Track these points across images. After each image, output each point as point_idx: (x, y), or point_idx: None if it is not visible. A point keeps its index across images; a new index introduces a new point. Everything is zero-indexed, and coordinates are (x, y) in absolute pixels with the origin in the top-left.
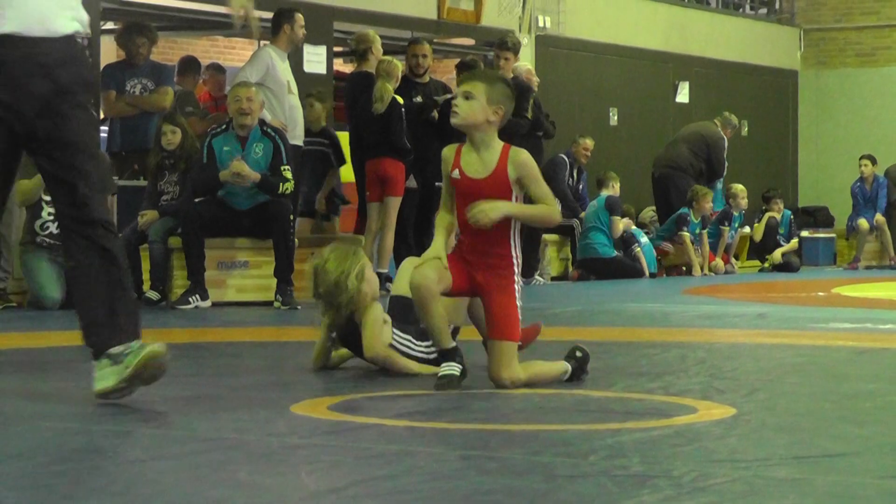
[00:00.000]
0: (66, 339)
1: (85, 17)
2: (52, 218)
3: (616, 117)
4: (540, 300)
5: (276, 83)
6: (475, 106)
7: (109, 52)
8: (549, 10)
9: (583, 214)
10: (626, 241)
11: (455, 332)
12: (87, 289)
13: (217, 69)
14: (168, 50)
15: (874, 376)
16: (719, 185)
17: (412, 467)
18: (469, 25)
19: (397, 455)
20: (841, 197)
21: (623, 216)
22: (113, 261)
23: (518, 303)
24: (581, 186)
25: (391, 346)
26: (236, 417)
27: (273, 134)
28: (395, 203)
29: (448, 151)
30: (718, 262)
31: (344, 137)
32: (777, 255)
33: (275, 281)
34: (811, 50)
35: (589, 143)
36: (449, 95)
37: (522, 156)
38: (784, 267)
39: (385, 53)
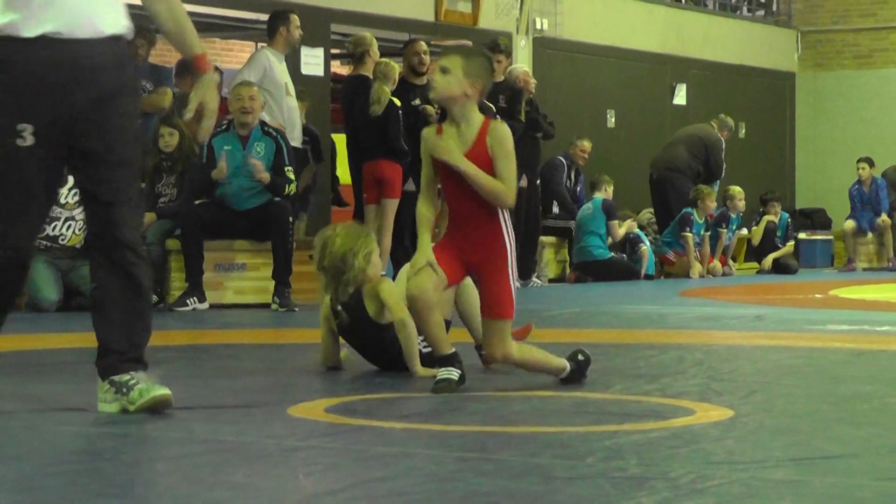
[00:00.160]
0: (63, 341)
1: (126, 17)
2: (47, 220)
3: (613, 119)
4: (537, 302)
5: (273, 85)
6: (451, 80)
7: None
8: (547, 12)
9: (577, 216)
10: (632, 242)
11: (447, 325)
12: (106, 312)
13: (214, 71)
14: (166, 52)
15: (872, 378)
16: (716, 187)
17: (410, 469)
18: (466, 27)
19: (395, 457)
20: (838, 199)
21: (621, 219)
22: (137, 290)
23: (513, 282)
24: (579, 188)
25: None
26: (234, 419)
27: (274, 134)
28: (392, 205)
29: (429, 132)
30: (716, 264)
31: (340, 140)
32: (768, 261)
33: (272, 283)
34: (808, 52)
35: (586, 144)
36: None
37: (500, 130)
38: (781, 269)
39: (382, 56)
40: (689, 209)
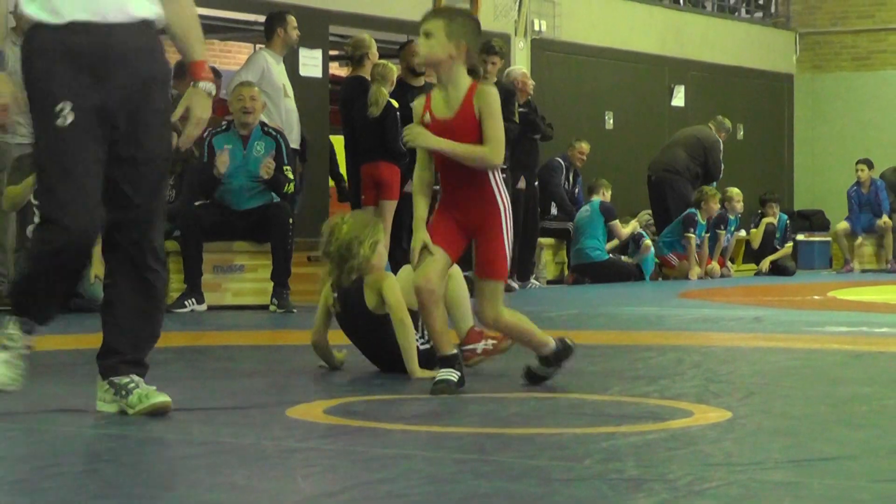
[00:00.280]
0: (61, 342)
1: (157, 2)
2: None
3: (612, 121)
4: (536, 304)
5: (271, 87)
6: (435, 44)
7: None
8: (545, 13)
9: (575, 219)
10: (635, 239)
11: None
12: (114, 312)
13: (212, 73)
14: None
15: (870, 380)
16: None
17: (408, 471)
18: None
19: (393, 459)
20: (836, 200)
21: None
22: (150, 295)
23: (507, 243)
24: (577, 190)
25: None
26: (232, 421)
27: (274, 134)
28: (390, 207)
29: (418, 101)
30: (714, 265)
31: (339, 141)
32: (766, 263)
33: (271, 285)
34: (807, 53)
35: (585, 146)
36: None
37: (487, 91)
38: (780, 270)
39: (381, 57)
40: (694, 210)
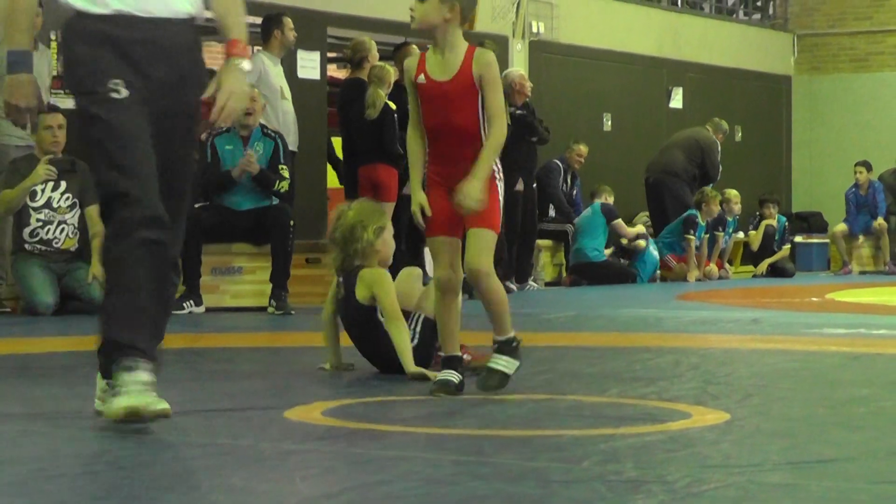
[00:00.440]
0: (59, 344)
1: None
2: (41, 224)
3: (610, 123)
4: (534, 306)
5: (269, 89)
6: (428, 7)
7: None
8: (543, 15)
9: (576, 220)
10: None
11: (426, 321)
12: (118, 308)
13: (211, 74)
14: None
15: (868, 382)
16: None
17: (406, 473)
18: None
19: (391, 460)
20: (834, 202)
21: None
22: (162, 300)
23: (500, 203)
24: (575, 192)
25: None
26: (230, 423)
27: (274, 135)
28: (388, 209)
29: (410, 62)
30: (712, 267)
31: (337, 143)
32: (764, 265)
33: (269, 287)
34: (805, 55)
35: (583, 149)
36: None
37: (487, 56)
38: (778, 272)
39: (381, 59)
40: (695, 211)
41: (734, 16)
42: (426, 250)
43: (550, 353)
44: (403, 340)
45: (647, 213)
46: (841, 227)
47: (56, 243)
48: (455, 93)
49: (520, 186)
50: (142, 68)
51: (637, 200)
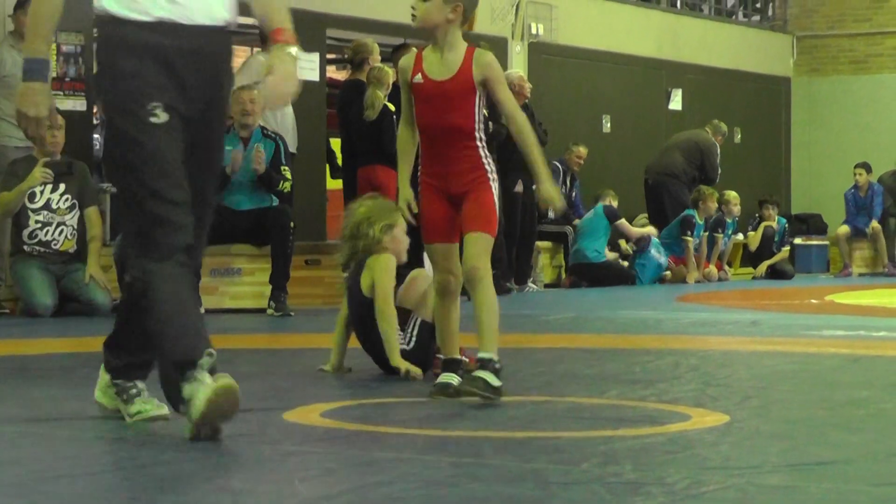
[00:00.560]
0: (58, 346)
1: (234, 4)
2: (39, 226)
3: (609, 124)
4: (533, 307)
5: None
6: (431, 7)
7: None
8: (542, 17)
9: (576, 222)
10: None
11: (423, 325)
12: (137, 317)
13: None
14: None
15: (867, 384)
16: None
17: (405, 474)
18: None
19: (390, 462)
20: (834, 204)
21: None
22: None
23: (496, 203)
24: (574, 194)
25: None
26: (229, 424)
27: (273, 136)
28: None
29: (406, 60)
30: (712, 269)
31: (336, 144)
32: (763, 268)
33: (268, 288)
34: (804, 57)
35: (582, 150)
36: None
37: (487, 57)
38: (777, 274)
39: (382, 61)
40: (691, 211)
41: (733, 17)
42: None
43: (549, 354)
44: (390, 327)
45: (647, 215)
46: (844, 229)
47: (55, 245)
48: (454, 92)
49: (519, 188)
50: (182, 80)
51: (636, 202)
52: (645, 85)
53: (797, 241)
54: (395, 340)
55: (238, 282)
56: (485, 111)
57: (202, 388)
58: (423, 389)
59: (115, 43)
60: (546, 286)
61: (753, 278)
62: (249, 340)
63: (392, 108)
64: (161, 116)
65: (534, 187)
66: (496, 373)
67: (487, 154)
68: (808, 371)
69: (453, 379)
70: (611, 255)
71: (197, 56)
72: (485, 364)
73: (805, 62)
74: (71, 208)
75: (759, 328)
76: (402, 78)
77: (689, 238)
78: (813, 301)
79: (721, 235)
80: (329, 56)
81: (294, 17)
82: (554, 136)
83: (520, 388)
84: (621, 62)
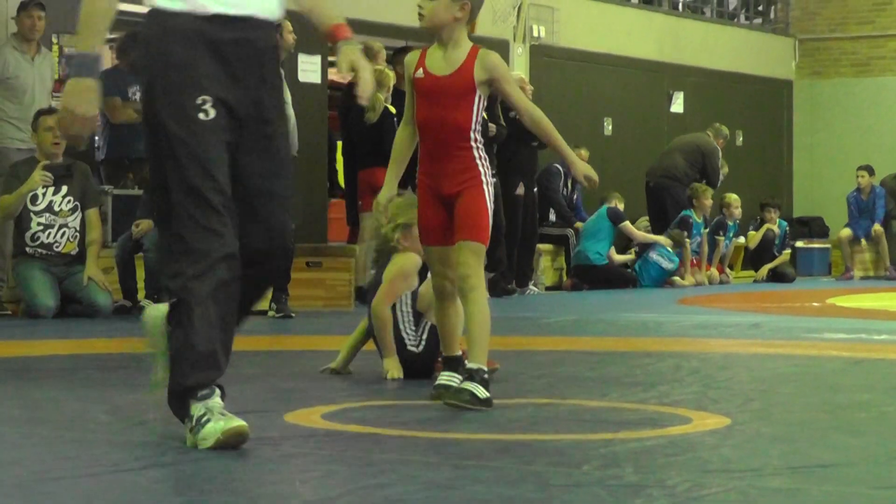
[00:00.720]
0: (60, 347)
1: None
2: (41, 228)
3: (610, 127)
4: (534, 310)
5: None
6: (439, 6)
7: (105, 60)
8: (544, 19)
9: (578, 224)
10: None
11: (433, 329)
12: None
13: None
14: None
15: (869, 387)
16: None
17: (406, 476)
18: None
19: (391, 464)
20: (836, 207)
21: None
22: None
23: (489, 210)
24: (575, 196)
25: (392, 305)
26: None
27: None
28: None
29: (412, 56)
30: (713, 272)
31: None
32: (764, 271)
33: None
34: (806, 60)
35: (584, 153)
36: None
37: (492, 57)
38: (778, 277)
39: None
40: (688, 212)
41: (735, 20)
42: None
43: (551, 357)
44: (382, 331)
45: (648, 218)
46: (846, 232)
47: (57, 247)
48: (453, 88)
49: (520, 190)
50: (234, 74)
51: (638, 205)
52: (646, 87)
53: (799, 244)
54: (386, 340)
55: None
56: (484, 114)
57: (213, 424)
58: (424, 392)
59: (166, 29)
60: (547, 288)
61: (755, 281)
62: (250, 342)
63: (393, 110)
64: (210, 113)
65: (535, 189)
66: (484, 383)
67: (483, 156)
68: (810, 374)
69: (454, 379)
70: (620, 259)
71: (248, 50)
72: (472, 375)
73: (807, 65)
74: (73, 210)
75: (760, 331)
76: (406, 74)
77: (687, 240)
78: (814, 304)
79: (722, 238)
80: (331, 58)
81: (295, 18)
82: None
83: (521, 391)
84: (623, 65)
